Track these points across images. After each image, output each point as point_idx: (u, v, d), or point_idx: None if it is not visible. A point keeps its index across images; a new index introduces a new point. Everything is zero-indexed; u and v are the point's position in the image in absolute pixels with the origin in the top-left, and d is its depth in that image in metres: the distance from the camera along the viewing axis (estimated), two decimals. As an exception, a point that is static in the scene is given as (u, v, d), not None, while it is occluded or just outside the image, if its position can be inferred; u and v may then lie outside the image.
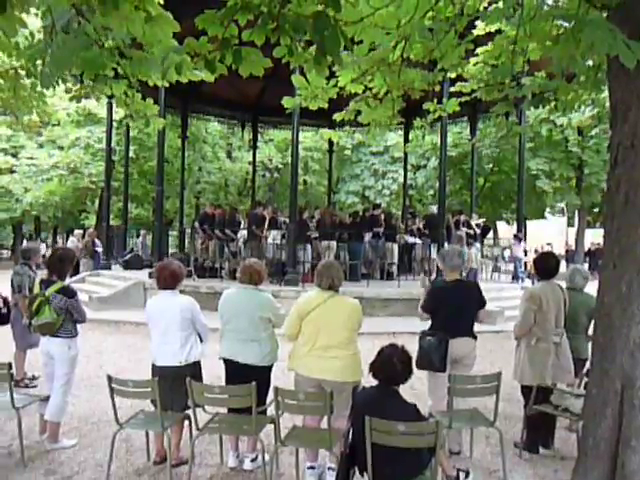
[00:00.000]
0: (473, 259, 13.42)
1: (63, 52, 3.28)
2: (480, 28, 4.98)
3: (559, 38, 3.57)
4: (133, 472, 4.26)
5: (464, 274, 12.07)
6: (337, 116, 5.50)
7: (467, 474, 4.06)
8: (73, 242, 18.20)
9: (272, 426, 3.98)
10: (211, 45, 3.02)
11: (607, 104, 4.53)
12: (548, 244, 23.95)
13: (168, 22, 3.01)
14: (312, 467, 4.09)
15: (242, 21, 2.89)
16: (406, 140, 19.83)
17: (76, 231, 19.92)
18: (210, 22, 2.82)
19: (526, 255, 16.70)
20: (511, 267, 16.84)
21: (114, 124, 15.46)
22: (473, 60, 5.25)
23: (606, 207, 3.85)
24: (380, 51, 4.33)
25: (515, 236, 16.16)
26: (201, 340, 4.45)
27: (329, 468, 4.03)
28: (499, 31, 4.73)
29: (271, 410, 4.12)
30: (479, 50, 5.11)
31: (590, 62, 4.14)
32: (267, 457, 4.07)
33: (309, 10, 2.70)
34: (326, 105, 4.90)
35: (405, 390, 3.46)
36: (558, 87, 4.74)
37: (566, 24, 3.41)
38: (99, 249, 16.91)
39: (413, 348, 4.48)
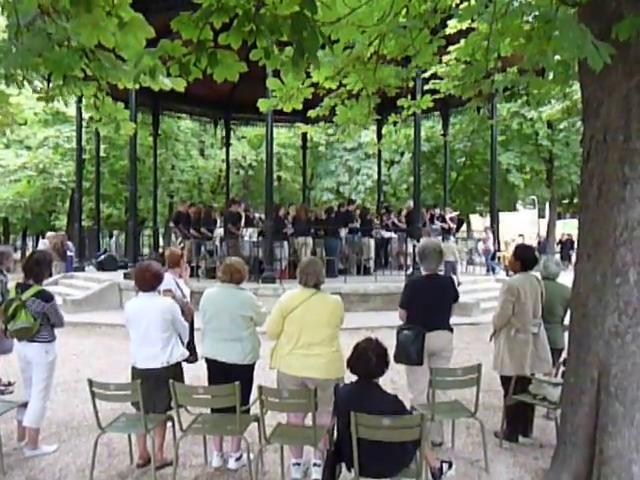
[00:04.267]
0: (450, 252, 13.52)
1: (25, 52, 3.15)
2: (452, 27, 5.03)
3: (531, 35, 3.63)
4: (116, 476, 4.22)
5: (441, 267, 12.18)
6: (312, 113, 5.50)
7: (450, 465, 4.11)
8: (45, 244, 17.84)
9: (255, 424, 3.98)
10: (185, 48, 2.95)
11: (577, 97, 4.62)
12: (520, 235, 24.22)
13: (142, 28, 2.91)
14: (297, 463, 4.12)
15: (217, 23, 2.84)
16: (379, 137, 19.87)
17: (48, 233, 19.48)
18: (185, 25, 2.76)
19: (499, 247, 16.91)
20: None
21: (83, 123, 15.18)
22: (446, 58, 5.30)
23: (580, 200, 3.94)
24: (356, 49, 4.35)
25: (488, 229, 16.42)
26: (182, 341, 4.43)
27: (314, 464, 4.05)
28: (471, 29, 4.79)
29: (254, 409, 4.12)
30: (452, 48, 5.15)
31: (559, 57, 4.22)
32: (252, 456, 4.06)
33: (285, 11, 2.68)
34: (301, 106, 4.89)
35: (386, 384, 3.50)
36: (529, 82, 4.82)
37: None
38: (70, 252, 16.59)
39: (392, 343, 4.53)
